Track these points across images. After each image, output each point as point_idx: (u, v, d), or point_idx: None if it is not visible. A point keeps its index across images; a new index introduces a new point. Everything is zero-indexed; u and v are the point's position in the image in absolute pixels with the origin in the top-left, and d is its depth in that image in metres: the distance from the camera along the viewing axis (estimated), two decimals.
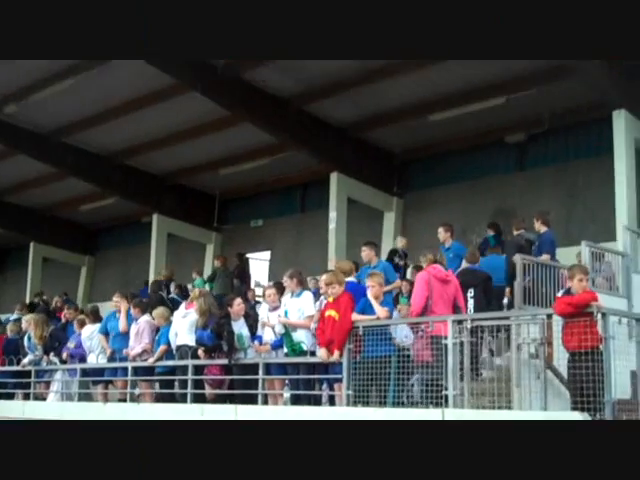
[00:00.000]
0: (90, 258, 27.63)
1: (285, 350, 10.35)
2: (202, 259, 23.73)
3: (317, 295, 11.39)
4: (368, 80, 16.55)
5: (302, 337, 10.20)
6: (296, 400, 10.07)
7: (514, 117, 17.50)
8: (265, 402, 10.50)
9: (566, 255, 13.02)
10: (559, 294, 8.20)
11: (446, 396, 8.62)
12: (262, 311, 10.96)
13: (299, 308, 10.27)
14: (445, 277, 9.42)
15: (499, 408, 8.56)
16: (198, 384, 11.29)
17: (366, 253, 12.06)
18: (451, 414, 8.32)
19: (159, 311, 12.19)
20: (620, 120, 14.54)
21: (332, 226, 18.65)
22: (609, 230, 15.36)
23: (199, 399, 11.24)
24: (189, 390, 11.21)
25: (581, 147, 17.53)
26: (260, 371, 10.40)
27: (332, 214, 18.71)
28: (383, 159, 19.86)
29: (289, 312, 10.31)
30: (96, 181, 22.48)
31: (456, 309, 9.38)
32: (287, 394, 9.98)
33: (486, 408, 8.48)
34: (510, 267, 11.45)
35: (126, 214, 25.12)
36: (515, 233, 13.18)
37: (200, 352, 11.14)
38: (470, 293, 10.97)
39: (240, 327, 10.83)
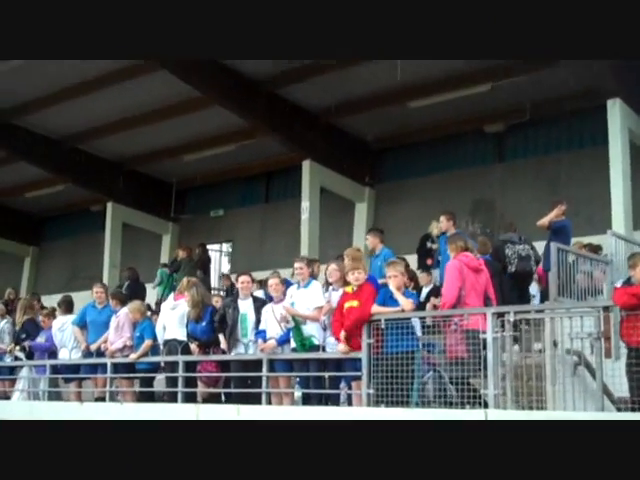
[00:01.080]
0: (35, 249, 26.17)
1: (293, 345, 9.50)
2: (158, 250, 22.61)
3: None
4: (344, 64, 15.69)
5: (312, 331, 9.36)
6: (308, 400, 9.22)
7: (495, 106, 16.94)
8: (268, 402, 9.62)
9: None
10: (618, 284, 7.55)
11: (483, 396, 7.92)
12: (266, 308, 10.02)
13: (308, 299, 9.43)
14: (478, 266, 8.70)
15: (535, 408, 7.90)
16: (187, 382, 10.35)
17: (370, 240, 11.33)
18: (495, 415, 7.60)
19: (136, 305, 11.19)
20: (615, 109, 14.09)
21: (305, 216, 17.84)
22: (593, 224, 14.97)
23: (189, 399, 10.30)
24: (180, 388, 10.25)
25: (563, 139, 17.09)
26: (264, 368, 9.52)
27: (305, 204, 17.90)
28: (356, 147, 19.11)
29: (296, 304, 9.46)
30: (46, 166, 21.15)
31: (487, 301, 8.67)
32: (298, 393, 9.11)
33: (525, 409, 7.79)
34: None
35: (74, 202, 23.81)
36: (502, 235, 12.64)
37: (193, 346, 10.21)
38: None
39: (246, 308, 9.93)
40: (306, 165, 18.01)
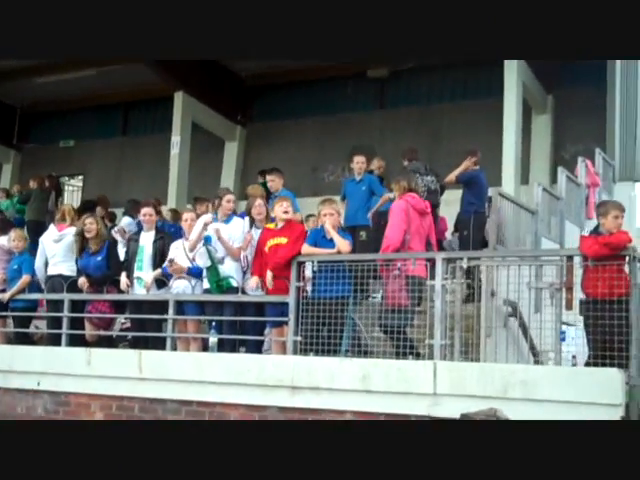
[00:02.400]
0: None
1: (206, 286, 8.53)
2: None
3: None
4: None
5: (231, 271, 8.44)
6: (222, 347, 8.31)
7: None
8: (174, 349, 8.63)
9: None
10: (584, 233, 7.14)
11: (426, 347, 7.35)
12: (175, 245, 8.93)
13: (228, 236, 8.48)
14: (424, 209, 8.06)
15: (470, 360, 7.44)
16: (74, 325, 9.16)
17: (276, 181, 10.51)
18: (445, 367, 7.04)
19: (19, 233, 9.78)
20: (512, 63, 13.84)
21: (175, 152, 16.60)
22: None
23: (74, 342, 9.12)
24: (65, 330, 9.04)
25: (447, 89, 16.77)
26: (170, 309, 8.50)
27: (175, 138, 16.64)
28: (231, 83, 17.98)
29: (213, 240, 8.48)
30: None
31: (428, 246, 8.08)
32: (213, 339, 8.17)
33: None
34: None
35: None
36: (405, 164, 11.98)
37: (82, 280, 8.98)
38: None
39: (145, 241, 8.95)
40: (178, 97, 16.72)
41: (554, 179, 14.48)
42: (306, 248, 7.97)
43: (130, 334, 9.17)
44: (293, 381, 7.58)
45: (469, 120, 16.00)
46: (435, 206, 10.96)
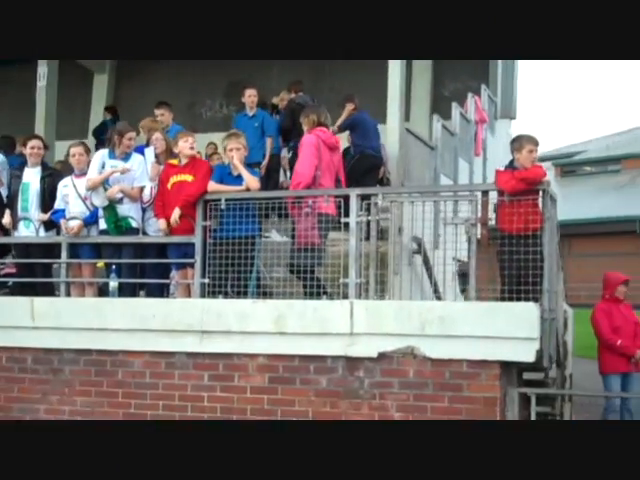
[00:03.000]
0: None
1: (102, 227, 8.03)
2: None
3: None
4: None
5: (130, 212, 7.96)
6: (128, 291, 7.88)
7: None
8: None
9: None
10: (500, 168, 7.11)
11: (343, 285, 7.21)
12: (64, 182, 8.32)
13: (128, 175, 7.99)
14: (335, 144, 7.81)
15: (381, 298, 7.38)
16: None
17: (166, 115, 10.00)
18: (362, 306, 6.93)
19: None
20: None
21: (42, 84, 15.49)
22: None
23: None
24: None
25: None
26: (63, 253, 7.97)
27: (42, 69, 15.54)
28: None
29: (112, 181, 7.96)
30: None
31: (338, 183, 7.87)
32: (114, 283, 7.71)
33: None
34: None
35: None
36: (292, 96, 11.64)
37: None
38: None
39: (31, 177, 8.31)
40: None
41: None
42: (213, 186, 7.62)
43: (14, 280, 8.50)
44: (202, 325, 7.29)
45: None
46: None
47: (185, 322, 7.34)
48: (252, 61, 16.39)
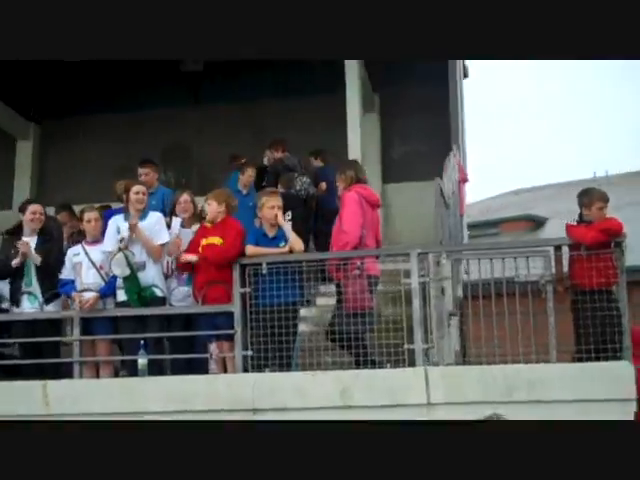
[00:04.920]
0: None
1: (121, 299, 7.17)
2: None
3: None
4: None
5: (154, 279, 7.15)
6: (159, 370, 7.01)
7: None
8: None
9: None
10: (572, 222, 6.79)
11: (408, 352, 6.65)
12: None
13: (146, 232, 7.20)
14: (376, 201, 7.32)
15: None
16: None
17: (150, 176, 9.24)
18: (438, 373, 6.37)
19: None
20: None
21: None
22: None
23: None
24: None
25: (267, 86, 16.01)
26: (76, 329, 7.04)
27: None
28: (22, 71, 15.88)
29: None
30: None
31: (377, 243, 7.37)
32: (143, 361, 6.81)
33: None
34: None
35: None
36: (279, 155, 11.19)
37: None
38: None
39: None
40: None
41: (385, 179, 14.48)
42: (252, 249, 6.96)
43: (15, 362, 7.45)
44: (254, 403, 6.53)
45: (296, 117, 15.41)
46: None
47: (233, 400, 6.56)
48: (190, 123, 15.91)
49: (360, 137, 13.56)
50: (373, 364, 6.85)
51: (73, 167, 15.90)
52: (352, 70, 13.55)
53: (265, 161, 11.30)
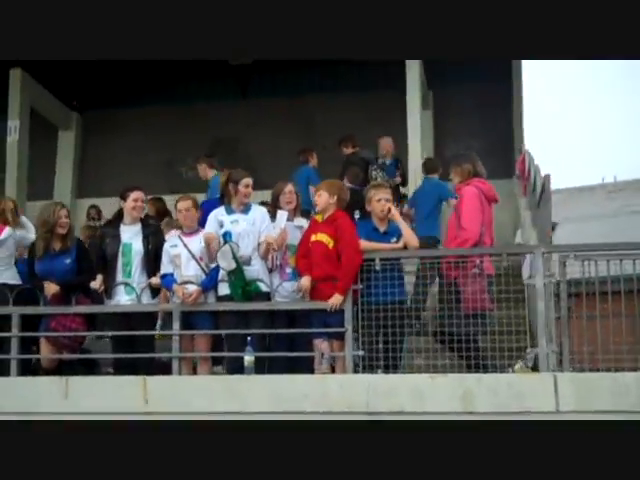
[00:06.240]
0: None
1: (223, 292, 6.84)
2: None
3: None
4: None
5: (259, 273, 6.82)
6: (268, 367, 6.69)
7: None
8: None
9: None
10: None
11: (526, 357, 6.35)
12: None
13: (250, 226, 6.87)
14: (495, 197, 6.99)
15: None
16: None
17: (203, 167, 9.25)
18: (567, 380, 6.05)
19: None
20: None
21: (14, 138, 14.05)
22: None
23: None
24: (13, 355, 6.86)
25: (315, 80, 15.72)
26: (176, 322, 6.72)
27: (13, 123, 14.09)
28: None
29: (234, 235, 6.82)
30: None
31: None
32: (250, 358, 6.48)
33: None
34: None
35: None
36: (350, 151, 10.92)
37: (51, 288, 6.86)
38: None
39: (131, 236, 7.11)
40: (16, 75, 14.16)
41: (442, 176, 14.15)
42: (365, 244, 6.63)
43: (113, 356, 7.11)
44: (369, 406, 6.20)
45: (345, 113, 15.10)
46: None
47: (346, 402, 6.23)
48: (238, 117, 15.59)
49: (421, 135, 13.32)
50: (485, 368, 6.53)
51: (115, 158, 15.66)
52: (413, 68, 13.32)
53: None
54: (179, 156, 15.62)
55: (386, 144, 11.04)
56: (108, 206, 12.20)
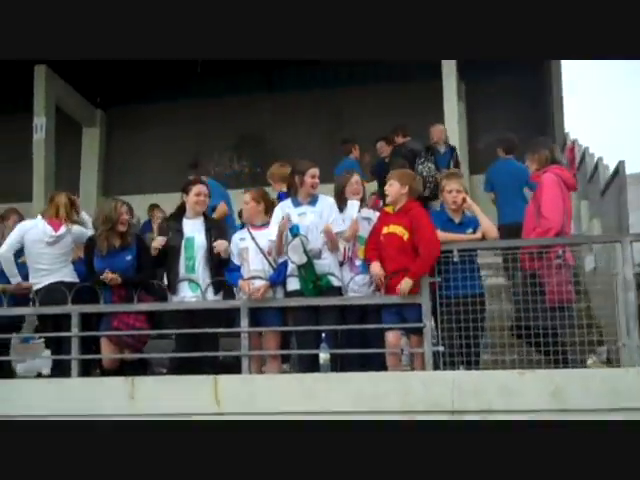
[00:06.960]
0: None
1: (292, 288, 6.55)
2: None
3: None
4: None
5: (330, 267, 6.54)
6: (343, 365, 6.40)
7: None
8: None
9: None
10: None
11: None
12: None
13: (318, 219, 6.58)
14: (574, 185, 6.70)
15: None
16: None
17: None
18: None
19: None
20: None
21: (40, 136, 13.77)
22: None
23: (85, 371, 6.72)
24: (74, 355, 6.57)
25: (342, 73, 15.42)
26: (244, 319, 6.42)
27: (39, 120, 13.82)
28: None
29: (302, 229, 6.52)
30: None
31: None
32: (325, 355, 6.20)
33: None
34: None
35: None
36: (400, 140, 10.61)
37: (111, 277, 6.56)
38: None
39: (194, 230, 6.84)
40: (40, 71, 13.88)
41: (471, 170, 13.87)
42: (442, 235, 6.34)
43: (176, 355, 6.80)
44: (454, 404, 5.92)
45: (375, 106, 14.82)
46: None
47: (430, 401, 5.95)
48: (264, 111, 15.29)
49: (458, 124, 13.06)
50: (565, 363, 6.24)
51: (140, 154, 15.39)
52: (449, 61, 13.07)
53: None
54: (204, 151, 15.31)
55: (437, 131, 10.70)
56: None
